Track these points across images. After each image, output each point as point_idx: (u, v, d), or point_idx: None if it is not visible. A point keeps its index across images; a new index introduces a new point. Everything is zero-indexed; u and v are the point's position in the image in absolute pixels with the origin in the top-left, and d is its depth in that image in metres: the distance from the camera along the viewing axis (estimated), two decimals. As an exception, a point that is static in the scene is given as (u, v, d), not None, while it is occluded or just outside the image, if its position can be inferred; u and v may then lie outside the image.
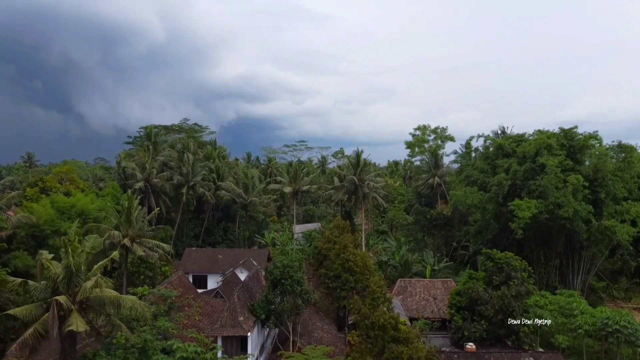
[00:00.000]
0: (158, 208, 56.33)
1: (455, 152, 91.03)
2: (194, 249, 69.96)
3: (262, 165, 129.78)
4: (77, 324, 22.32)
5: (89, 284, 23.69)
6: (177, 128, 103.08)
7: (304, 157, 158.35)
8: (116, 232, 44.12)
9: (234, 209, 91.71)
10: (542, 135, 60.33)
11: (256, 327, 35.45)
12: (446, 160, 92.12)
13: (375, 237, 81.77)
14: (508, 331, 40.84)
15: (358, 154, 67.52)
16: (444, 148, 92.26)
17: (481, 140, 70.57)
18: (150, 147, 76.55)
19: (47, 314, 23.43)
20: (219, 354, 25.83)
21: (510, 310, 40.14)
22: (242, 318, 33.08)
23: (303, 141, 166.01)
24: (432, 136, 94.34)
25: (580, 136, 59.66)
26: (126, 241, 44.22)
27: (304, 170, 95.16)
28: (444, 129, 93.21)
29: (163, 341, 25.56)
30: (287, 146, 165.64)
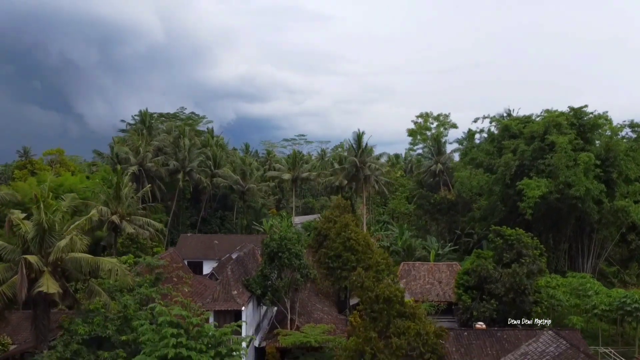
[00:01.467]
0: (150, 185, 53.86)
1: (457, 140, 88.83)
2: (189, 234, 67.63)
3: (261, 158, 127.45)
4: (48, 285, 20.01)
5: (62, 242, 21.31)
6: (173, 116, 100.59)
7: (304, 152, 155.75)
8: (104, 208, 41.83)
9: (232, 198, 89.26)
10: (551, 114, 58.01)
11: (251, 304, 33.08)
12: (449, 149, 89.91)
13: (376, 225, 79.39)
14: (519, 311, 38.44)
15: (359, 135, 65.04)
16: (446, 135, 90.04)
17: (486, 122, 67.93)
18: (145, 131, 74.07)
19: (16, 277, 21.09)
20: (210, 320, 23.43)
21: (522, 288, 37.74)
22: (235, 292, 30.72)
23: (302, 135, 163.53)
24: (435, 124, 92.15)
25: (591, 115, 57.38)
26: (115, 218, 41.98)
27: (304, 158, 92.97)
28: (446, 116, 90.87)
29: (146, 310, 23.18)
30: (286, 140, 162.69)
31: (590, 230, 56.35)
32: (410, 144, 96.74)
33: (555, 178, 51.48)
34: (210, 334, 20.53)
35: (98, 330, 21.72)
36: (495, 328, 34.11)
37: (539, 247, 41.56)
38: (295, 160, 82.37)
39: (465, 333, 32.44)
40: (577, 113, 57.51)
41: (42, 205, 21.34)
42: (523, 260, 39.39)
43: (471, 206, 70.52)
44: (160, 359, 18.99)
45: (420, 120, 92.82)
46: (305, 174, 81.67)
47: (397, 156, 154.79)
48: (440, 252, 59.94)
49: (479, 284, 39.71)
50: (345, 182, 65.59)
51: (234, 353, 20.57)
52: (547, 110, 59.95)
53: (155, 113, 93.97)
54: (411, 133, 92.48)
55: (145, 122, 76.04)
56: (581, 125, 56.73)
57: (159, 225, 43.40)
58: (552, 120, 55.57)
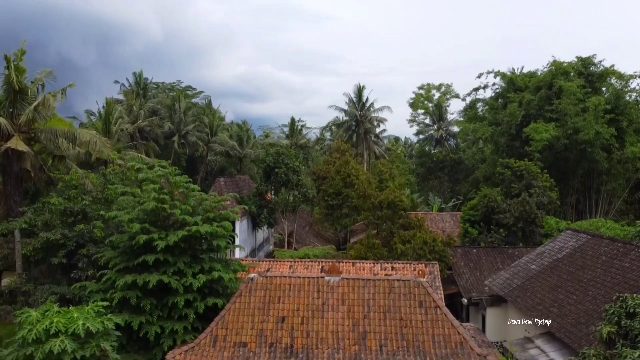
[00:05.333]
0: (141, 120, 51.85)
1: (460, 112, 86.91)
2: (184, 194, 65.60)
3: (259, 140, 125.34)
4: (17, 143, 17.99)
5: (35, 103, 19.31)
6: (169, 87, 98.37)
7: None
8: (92, 140, 39.82)
9: (229, 172, 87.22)
10: (558, 63, 56.13)
11: (246, 223, 31.09)
12: (451, 118, 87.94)
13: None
14: (529, 243, 36.50)
15: (360, 89, 62.84)
16: (449, 105, 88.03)
17: (491, 77, 65.57)
18: (140, 92, 71.97)
19: (-16, 142, 19.11)
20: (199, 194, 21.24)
21: (532, 217, 35.83)
22: (229, 202, 28.68)
23: (301, 121, 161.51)
24: (437, 95, 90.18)
25: (599, 64, 55.58)
26: (104, 150, 39.88)
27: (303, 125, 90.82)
28: (449, 85, 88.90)
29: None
30: (284, 125, 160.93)
31: (598, 182, 54.53)
32: (412, 114, 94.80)
33: (564, 124, 49.62)
34: (198, 198, 18.59)
35: (74, 205, 19.67)
36: (506, 246, 32.20)
37: (548, 180, 39.71)
38: (294, 127, 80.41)
39: (474, 250, 30.57)
40: (585, 62, 55.64)
41: (12, 65, 19.33)
42: (532, 191, 37.55)
43: (474, 171, 68.77)
44: (141, 212, 17.04)
45: (422, 91, 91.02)
46: (303, 141, 79.68)
47: (396, 139, 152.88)
48: (443, 206, 58.03)
49: (487, 217, 37.78)
50: (346, 136, 63.13)
51: (225, 222, 18.56)
52: (554, 62, 57.88)
53: (151, 82, 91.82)
54: (412, 104, 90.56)
55: (140, 83, 73.89)
56: (589, 75, 54.92)
57: (151, 161, 41.25)
58: (560, 68, 53.77)
